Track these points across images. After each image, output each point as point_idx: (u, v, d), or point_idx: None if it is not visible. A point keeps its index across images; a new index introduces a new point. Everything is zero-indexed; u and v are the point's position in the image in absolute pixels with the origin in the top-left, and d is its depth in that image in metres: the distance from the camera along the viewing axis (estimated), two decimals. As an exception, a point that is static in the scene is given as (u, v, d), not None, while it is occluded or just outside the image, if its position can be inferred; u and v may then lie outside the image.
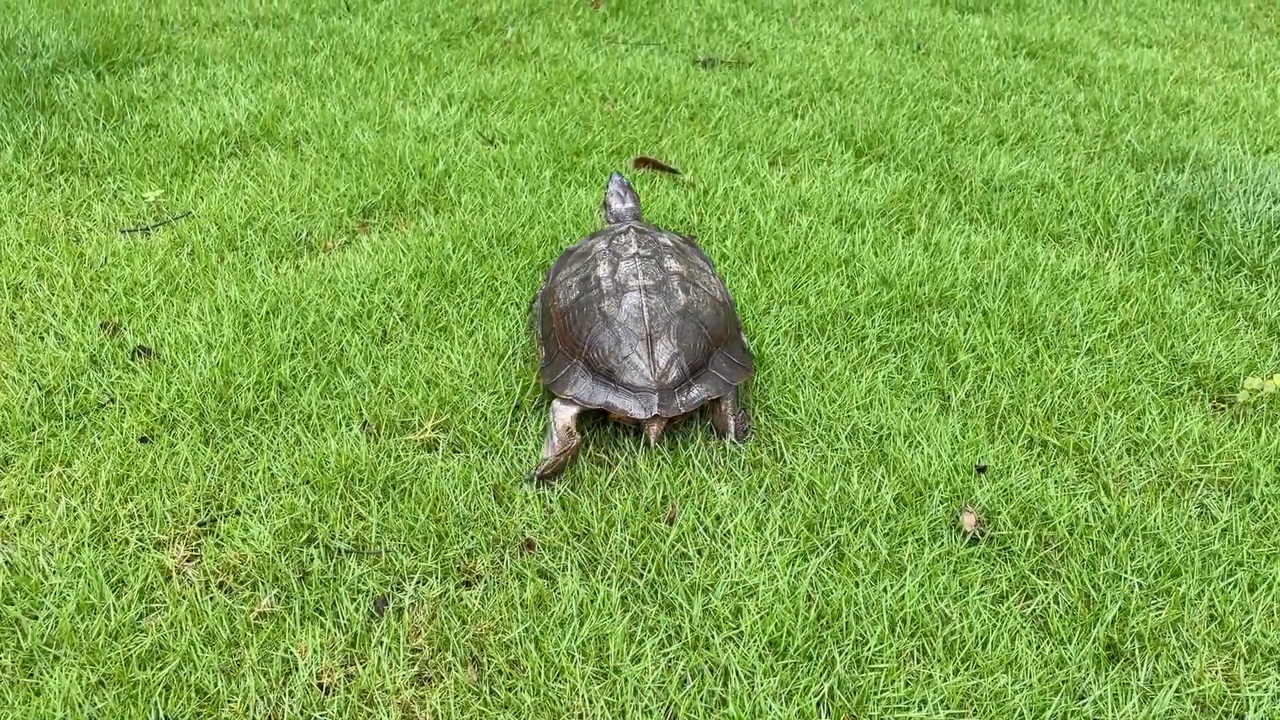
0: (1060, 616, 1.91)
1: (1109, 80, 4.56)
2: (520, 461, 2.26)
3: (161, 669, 1.76)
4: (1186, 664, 1.83)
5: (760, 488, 2.19)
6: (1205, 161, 3.66)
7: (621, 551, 2.01)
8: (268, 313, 2.68)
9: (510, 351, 2.59)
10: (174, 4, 5.16)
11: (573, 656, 1.80)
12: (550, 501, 2.13)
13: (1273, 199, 3.28)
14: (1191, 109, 4.25)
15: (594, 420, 2.36)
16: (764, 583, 1.94)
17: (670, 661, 1.81)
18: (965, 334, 2.71)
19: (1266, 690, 1.78)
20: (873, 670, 1.80)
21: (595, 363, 2.29)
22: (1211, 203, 3.32)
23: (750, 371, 2.40)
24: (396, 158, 3.55)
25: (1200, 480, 2.25)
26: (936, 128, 3.97)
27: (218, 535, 2.03)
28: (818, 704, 1.74)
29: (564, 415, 2.23)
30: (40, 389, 2.39)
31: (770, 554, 2.01)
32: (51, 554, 1.97)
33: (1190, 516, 2.14)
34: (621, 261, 2.46)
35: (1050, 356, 2.63)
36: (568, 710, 1.73)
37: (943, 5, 5.76)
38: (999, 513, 2.13)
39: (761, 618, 1.87)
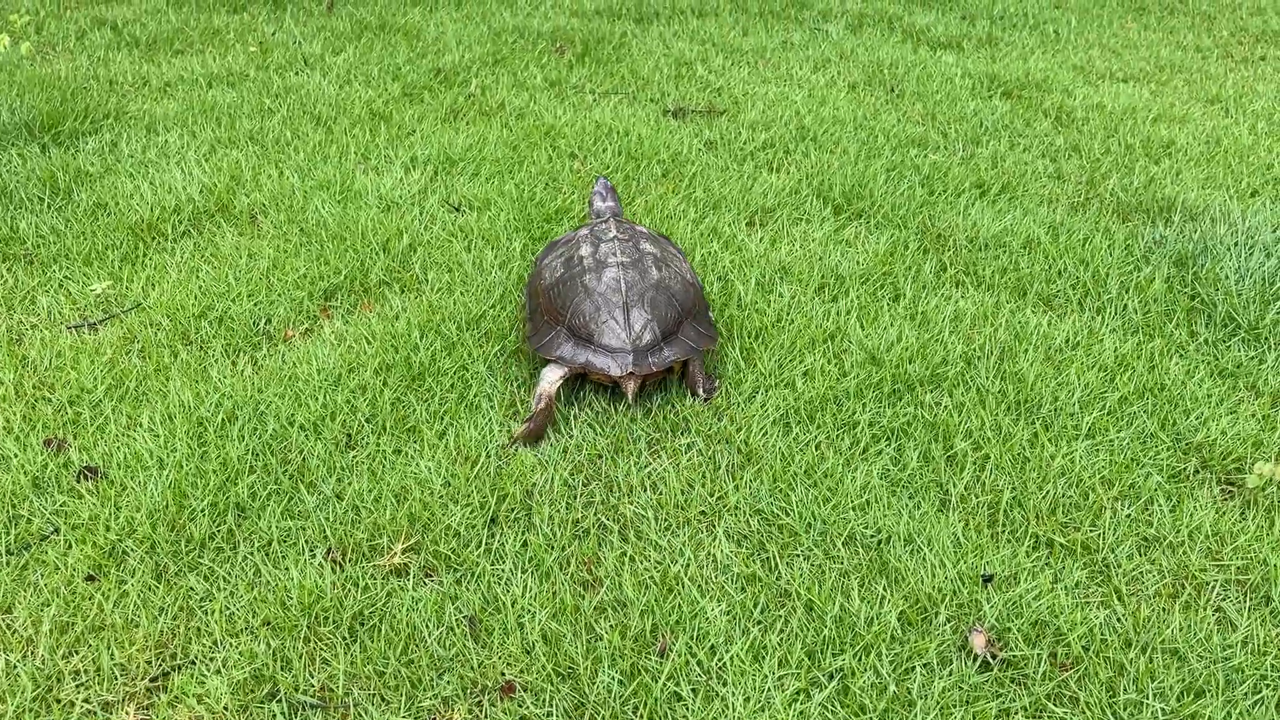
0: (1082, 752, 1.79)
1: (1087, 121, 4.48)
2: (498, 581, 2.11)
3: None
4: (1221, 807, 1.71)
5: (755, 607, 2.05)
6: (1192, 211, 3.57)
7: (610, 694, 1.87)
8: (224, 420, 2.52)
9: (484, 454, 2.44)
10: (124, 63, 4.99)
11: (561, 829, 1.66)
12: (530, 640, 1.98)
13: (1265, 253, 3.20)
14: (1173, 150, 4.18)
15: (574, 389, 2.65)
16: (765, 728, 1.80)
17: (668, 828, 1.67)
18: (960, 417, 2.59)
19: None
20: (887, 830, 1.66)
21: (577, 328, 2.58)
22: (1203, 258, 3.23)
23: (714, 340, 2.69)
24: (359, 232, 3.40)
25: (1216, 580, 2.14)
26: (916, 179, 3.87)
27: (171, 692, 1.87)
28: None
29: (549, 383, 2.52)
30: (-22, 520, 2.22)
31: (770, 691, 1.87)
32: (-13, 724, 1.80)
33: (1209, 624, 2.03)
34: (602, 243, 2.75)
35: (1050, 440, 2.52)
36: None
37: (914, 43, 5.67)
38: (1009, 629, 2.00)
39: (764, 772, 1.73)
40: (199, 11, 5.98)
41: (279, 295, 3.07)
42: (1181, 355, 2.88)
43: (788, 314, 3.01)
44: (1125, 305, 3.08)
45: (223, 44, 5.40)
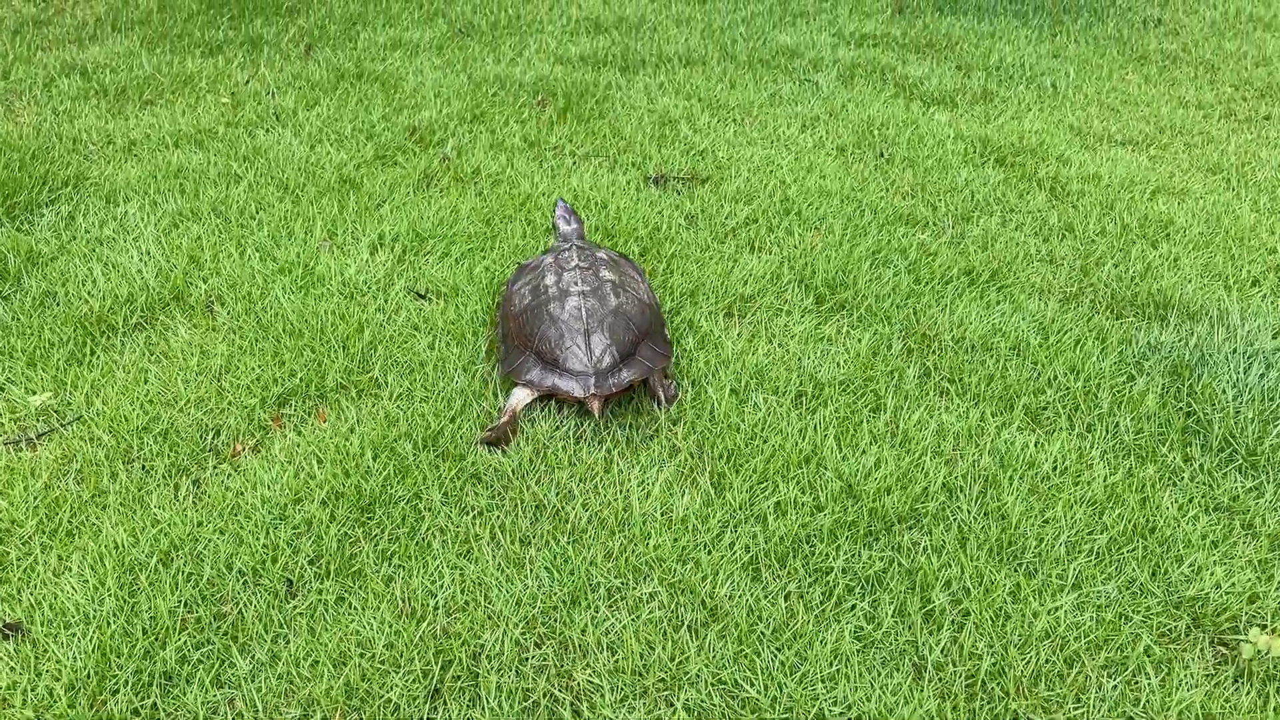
0: None
1: (1083, 194, 4.33)
2: (439, 765, 1.97)
3: None
4: None
5: (712, 804, 1.91)
6: (1189, 309, 3.42)
7: None
8: (158, 564, 2.37)
9: (431, 607, 2.30)
10: (90, 117, 4.83)
11: None
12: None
13: (1265, 364, 3.05)
14: (1171, 232, 4.03)
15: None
16: None
17: None
18: (939, 562, 2.45)
19: None
20: None
21: (544, 354, 2.85)
22: (1200, 369, 3.08)
23: (668, 359, 2.94)
24: (318, 326, 3.25)
25: (1207, 773, 2.00)
26: (903, 265, 3.72)
27: None
28: None
29: (517, 400, 2.83)
30: (-115, 690, 2.08)
31: None
32: None
33: (1199, 832, 1.89)
34: (565, 272, 3.02)
35: (1033, 592, 2.38)
36: None
37: (907, 98, 5.51)
38: (983, 838, 1.86)
39: None
40: (173, 54, 5.83)
41: (229, 402, 2.93)
42: (1175, 484, 2.74)
43: (762, 431, 2.86)
44: (1117, 424, 2.93)
45: (194, 93, 5.25)
